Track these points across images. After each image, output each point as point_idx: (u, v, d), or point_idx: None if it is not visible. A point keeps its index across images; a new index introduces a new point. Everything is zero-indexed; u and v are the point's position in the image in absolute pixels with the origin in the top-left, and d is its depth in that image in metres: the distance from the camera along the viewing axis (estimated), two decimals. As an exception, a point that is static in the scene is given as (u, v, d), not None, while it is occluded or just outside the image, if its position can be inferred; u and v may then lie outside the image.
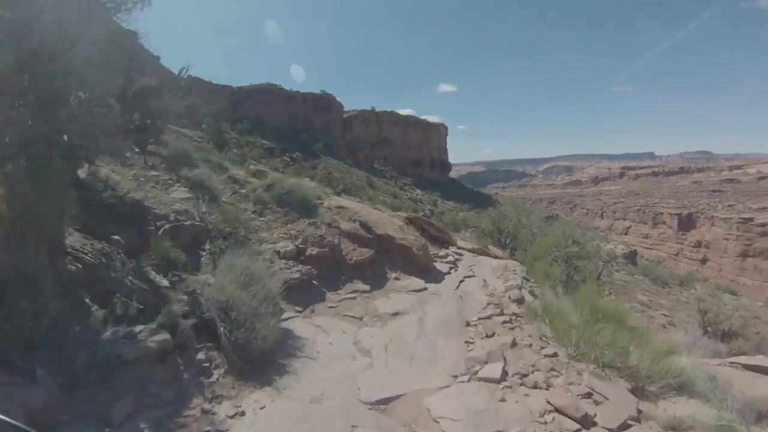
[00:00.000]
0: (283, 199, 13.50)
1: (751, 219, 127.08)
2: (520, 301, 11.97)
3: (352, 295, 10.70)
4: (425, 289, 11.93)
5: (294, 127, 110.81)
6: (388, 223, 14.31)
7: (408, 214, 19.14)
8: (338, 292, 10.69)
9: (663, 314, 28.54)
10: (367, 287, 11.25)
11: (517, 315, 10.79)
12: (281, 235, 11.70)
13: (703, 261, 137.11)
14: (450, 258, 15.90)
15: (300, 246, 11.20)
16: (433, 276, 13.26)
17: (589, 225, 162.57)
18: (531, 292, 13.60)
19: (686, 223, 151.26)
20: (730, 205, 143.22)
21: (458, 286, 12.81)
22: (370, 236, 13.20)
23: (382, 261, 12.78)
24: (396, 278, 12.37)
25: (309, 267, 10.56)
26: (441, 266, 14.41)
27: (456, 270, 14.74)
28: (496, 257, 19.11)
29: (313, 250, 11.15)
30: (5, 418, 1.75)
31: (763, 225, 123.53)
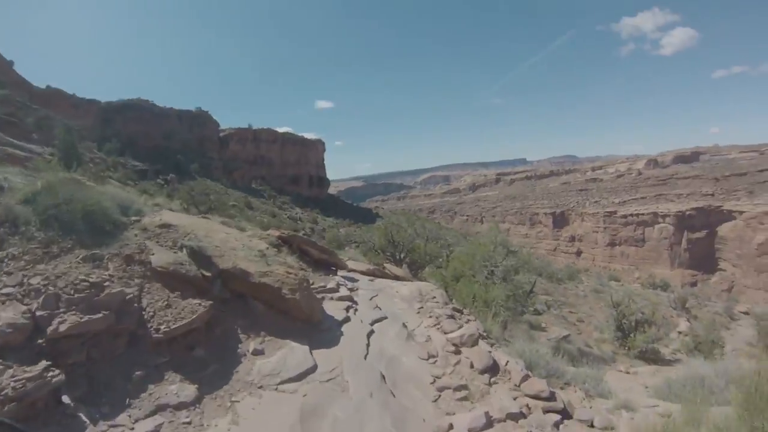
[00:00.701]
0: (56, 217, 6.97)
1: (615, 212, 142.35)
2: (493, 370, 6.60)
3: (152, 424, 4.61)
4: (312, 369, 6.32)
5: (169, 146, 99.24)
6: (241, 248, 8.17)
7: (280, 232, 13.25)
8: (120, 417, 4.68)
9: (570, 311, 27.87)
10: (190, 392, 5.25)
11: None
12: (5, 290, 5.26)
13: (578, 253, 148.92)
14: (343, 291, 10.66)
15: (39, 314, 4.95)
16: (323, 334, 7.61)
17: (471, 230, 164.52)
18: (488, 339, 8.35)
19: (560, 220, 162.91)
20: (595, 201, 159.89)
21: (368, 348, 7.43)
22: (209, 274, 7.07)
23: (229, 319, 6.87)
24: (256, 352, 6.50)
25: (52, 363, 4.59)
26: (333, 308, 8.86)
27: (356, 311, 9.31)
28: (399, 279, 15.15)
29: (66, 324, 4.99)
30: (5, 418, 1.81)
31: (625, 216, 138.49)
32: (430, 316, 9.68)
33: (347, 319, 8.36)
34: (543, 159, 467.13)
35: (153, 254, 6.84)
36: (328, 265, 13.06)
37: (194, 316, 5.99)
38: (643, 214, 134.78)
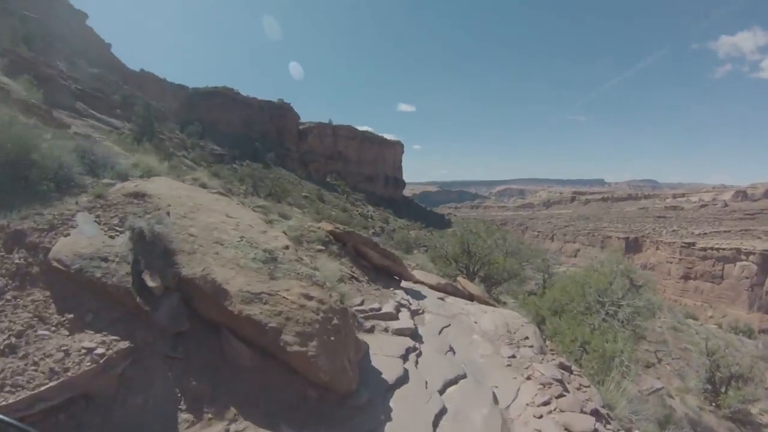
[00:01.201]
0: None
1: (693, 243, 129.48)
2: None
3: None
4: None
5: (248, 134, 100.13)
6: (236, 242, 4.70)
7: (334, 226, 10.18)
8: None
9: (646, 349, 23.13)
10: None
11: None
12: None
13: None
14: (404, 318, 7.69)
15: None
16: (355, 418, 4.25)
17: (540, 247, 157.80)
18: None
19: (633, 246, 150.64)
20: (673, 231, 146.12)
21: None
22: (154, 285, 3.82)
23: (168, 379, 3.58)
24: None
25: None
26: (384, 350, 5.85)
27: (418, 358, 6.10)
28: (474, 298, 12.35)
29: None
30: (5, 418, 1.60)
31: (704, 249, 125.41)
32: (529, 377, 6.26)
33: (403, 380, 5.04)
34: (621, 182, 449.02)
35: (66, 236, 3.77)
36: (390, 273, 10.49)
37: (56, 382, 2.79)
38: (724, 249, 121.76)
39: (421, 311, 8.60)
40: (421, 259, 24.09)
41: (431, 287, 11.71)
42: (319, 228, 10.53)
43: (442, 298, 10.75)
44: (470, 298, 12.57)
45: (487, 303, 12.70)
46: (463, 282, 13.96)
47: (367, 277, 9.33)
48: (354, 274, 9.01)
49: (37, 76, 32.15)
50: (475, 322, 8.96)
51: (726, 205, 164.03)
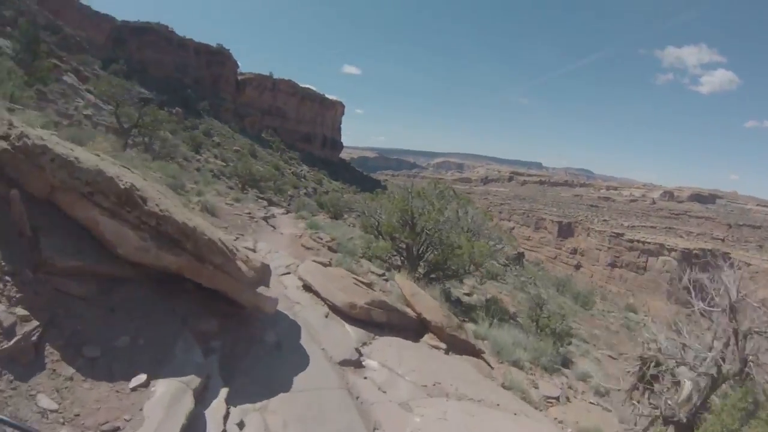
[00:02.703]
0: None
1: (622, 234, 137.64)
2: None
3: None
4: None
5: (181, 80, 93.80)
6: None
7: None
8: None
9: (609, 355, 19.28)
10: None
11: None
12: None
13: (578, 267, 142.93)
14: None
15: None
16: None
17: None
18: None
19: (565, 230, 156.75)
20: (604, 220, 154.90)
21: None
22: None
23: None
24: None
25: None
26: None
27: None
28: (431, 330, 9.61)
29: None
30: (5, 418, 1.61)
31: (631, 241, 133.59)
32: None
33: None
34: (558, 168, 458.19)
35: None
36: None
37: None
38: (649, 243, 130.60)
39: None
40: (346, 230, 21.60)
41: (336, 310, 8.81)
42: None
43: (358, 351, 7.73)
44: (418, 327, 9.62)
45: (453, 344, 9.42)
46: (405, 288, 10.72)
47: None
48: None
49: None
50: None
51: (654, 203, 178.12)
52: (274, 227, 19.15)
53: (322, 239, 16.95)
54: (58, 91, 30.70)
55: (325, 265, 11.50)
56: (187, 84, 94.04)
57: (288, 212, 28.49)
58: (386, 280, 13.78)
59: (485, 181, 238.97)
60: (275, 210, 27.81)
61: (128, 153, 22.03)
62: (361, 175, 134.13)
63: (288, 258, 12.77)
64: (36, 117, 13.79)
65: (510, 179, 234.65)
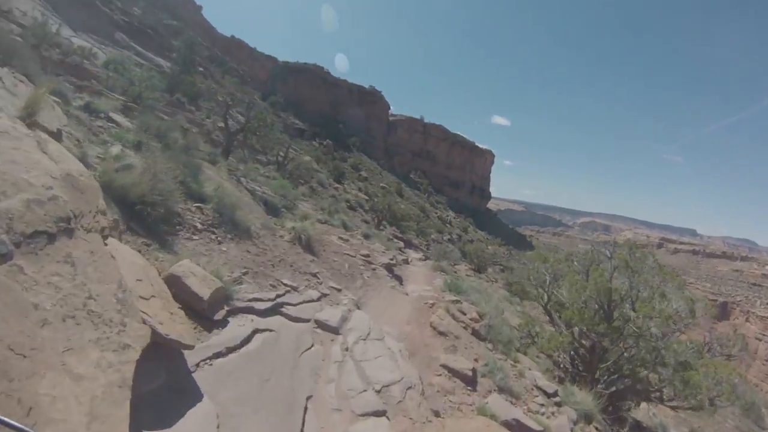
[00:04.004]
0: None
1: None
2: None
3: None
4: None
5: (334, 116, 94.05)
6: None
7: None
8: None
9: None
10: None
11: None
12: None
13: (728, 357, 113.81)
14: None
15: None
16: None
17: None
18: None
19: (720, 312, 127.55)
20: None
21: None
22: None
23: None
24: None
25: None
26: None
27: None
28: None
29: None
30: (5, 418, 1.59)
31: None
32: None
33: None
34: (715, 236, 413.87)
35: None
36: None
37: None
38: None
39: None
40: (497, 301, 15.11)
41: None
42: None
43: None
44: None
45: None
46: None
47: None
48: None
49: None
50: None
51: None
52: (398, 279, 12.91)
53: (465, 314, 10.33)
54: (206, 107, 29.90)
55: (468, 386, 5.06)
56: (339, 120, 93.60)
57: (426, 258, 24.24)
58: (558, 404, 7.91)
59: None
60: (411, 254, 23.38)
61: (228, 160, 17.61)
62: (507, 228, 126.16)
63: (393, 359, 6.48)
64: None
65: (659, 246, 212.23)
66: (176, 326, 3.94)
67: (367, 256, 13.11)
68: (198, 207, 8.02)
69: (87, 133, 7.88)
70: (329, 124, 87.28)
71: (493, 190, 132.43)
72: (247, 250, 7.95)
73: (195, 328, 4.73)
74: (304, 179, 30.30)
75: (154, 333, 3.57)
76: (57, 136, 4.72)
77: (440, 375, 7.02)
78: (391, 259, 14.90)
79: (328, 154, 59.36)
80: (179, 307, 4.43)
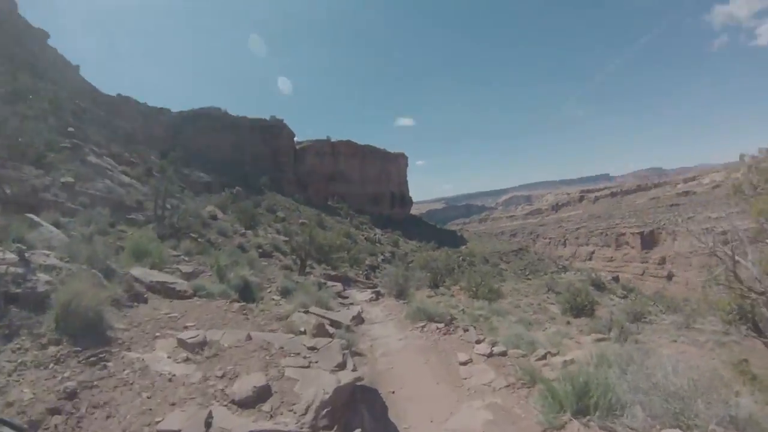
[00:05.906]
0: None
1: (713, 228, 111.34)
2: None
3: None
4: None
5: (239, 158, 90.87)
6: None
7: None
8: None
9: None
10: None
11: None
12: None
13: (669, 277, 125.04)
14: None
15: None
16: None
17: (553, 254, 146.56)
18: None
19: (648, 241, 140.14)
20: (689, 218, 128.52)
21: None
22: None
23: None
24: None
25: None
26: None
27: None
28: None
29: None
30: (5, 418, 1.71)
31: (725, 233, 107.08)
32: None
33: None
34: (627, 173, 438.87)
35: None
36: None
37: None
38: (747, 230, 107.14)
39: None
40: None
41: None
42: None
43: None
44: None
45: None
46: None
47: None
48: None
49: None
50: None
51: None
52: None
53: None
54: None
55: None
56: (245, 161, 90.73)
57: (376, 295, 19.09)
58: None
59: (556, 207, 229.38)
60: (357, 295, 18.88)
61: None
62: (434, 229, 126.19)
63: None
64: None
65: (581, 199, 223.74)
66: None
67: (275, 347, 6.36)
68: None
69: None
70: (236, 169, 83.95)
71: (412, 194, 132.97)
72: None
73: None
74: (190, 230, 25.82)
75: None
76: None
77: None
78: (331, 326, 9.06)
79: (234, 203, 56.68)
80: None
